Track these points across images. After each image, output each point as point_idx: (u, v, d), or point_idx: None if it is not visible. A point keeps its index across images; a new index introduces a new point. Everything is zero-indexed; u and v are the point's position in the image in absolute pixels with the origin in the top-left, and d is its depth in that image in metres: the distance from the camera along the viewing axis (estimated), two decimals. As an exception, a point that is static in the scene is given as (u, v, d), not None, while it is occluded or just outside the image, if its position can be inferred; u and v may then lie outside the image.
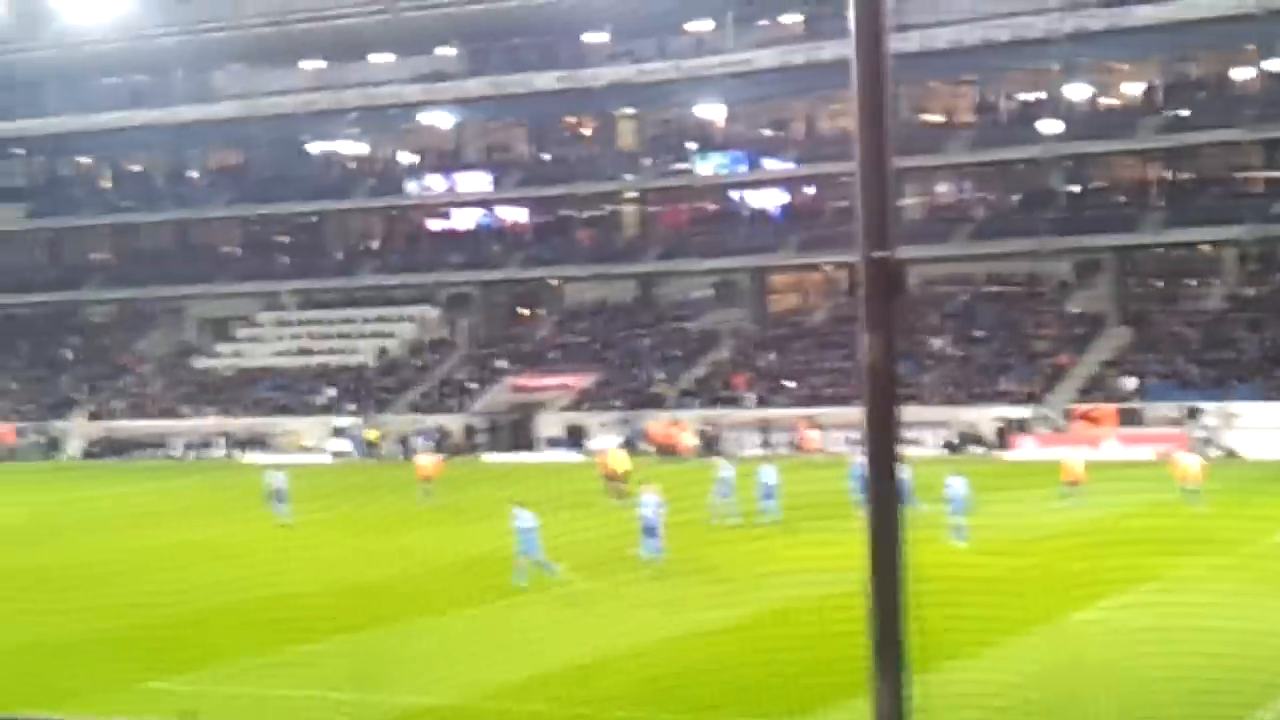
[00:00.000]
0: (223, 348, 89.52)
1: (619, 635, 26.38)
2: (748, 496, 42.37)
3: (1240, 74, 74.46)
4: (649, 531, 35.83)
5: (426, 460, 54.82)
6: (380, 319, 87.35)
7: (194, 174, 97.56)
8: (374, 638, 27.22)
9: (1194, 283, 72.17)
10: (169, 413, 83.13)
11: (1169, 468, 44.19)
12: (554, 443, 70.98)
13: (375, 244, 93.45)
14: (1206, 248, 71.87)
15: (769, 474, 42.77)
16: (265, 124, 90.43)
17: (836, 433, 61.95)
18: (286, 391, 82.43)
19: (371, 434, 75.02)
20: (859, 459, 41.66)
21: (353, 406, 79.13)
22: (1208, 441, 59.20)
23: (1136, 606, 27.73)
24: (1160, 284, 73.15)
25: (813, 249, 76.77)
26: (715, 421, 68.74)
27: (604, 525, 37.50)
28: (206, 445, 78.54)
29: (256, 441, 77.37)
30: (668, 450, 64.73)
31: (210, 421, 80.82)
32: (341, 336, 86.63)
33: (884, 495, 10.97)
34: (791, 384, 71.19)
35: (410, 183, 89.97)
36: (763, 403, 70.34)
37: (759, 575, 30.94)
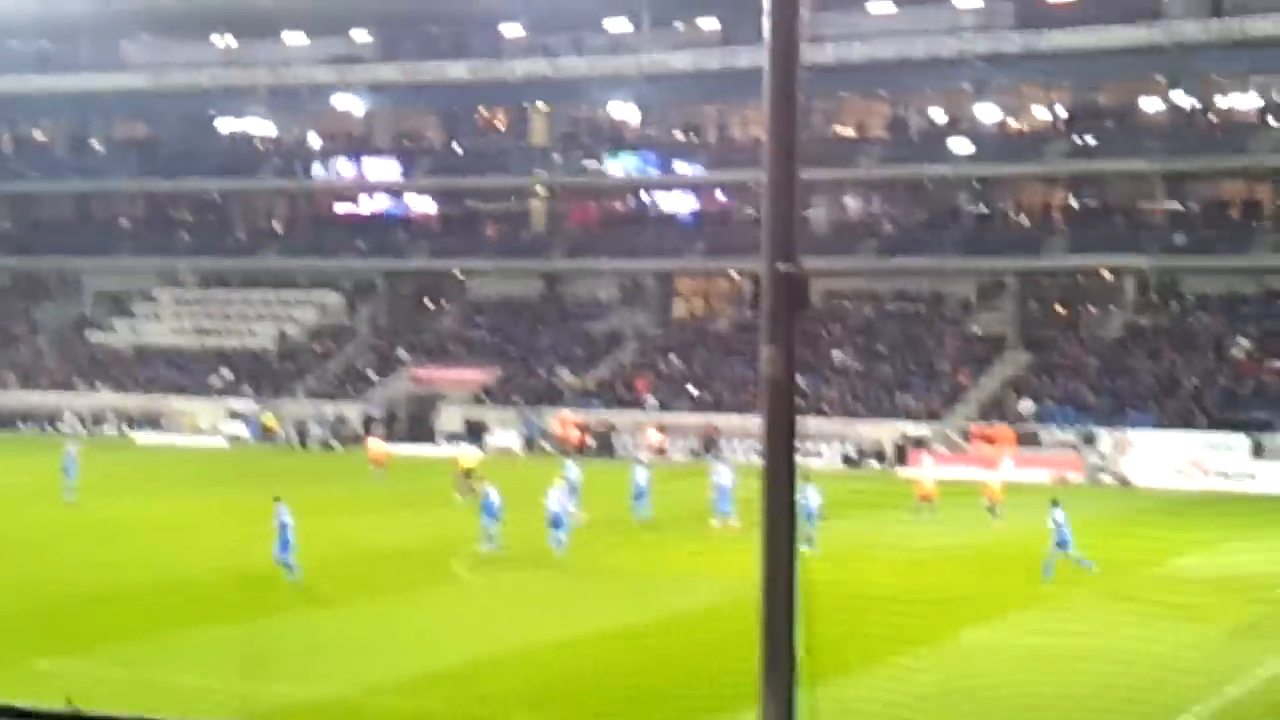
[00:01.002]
0: (119, 323, 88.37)
1: (511, 636, 26.32)
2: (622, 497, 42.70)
3: (1148, 104, 75.41)
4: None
5: (377, 445, 57.33)
6: (281, 302, 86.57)
7: (97, 145, 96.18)
8: (265, 627, 26.98)
9: (1094, 309, 73.06)
10: (61, 386, 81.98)
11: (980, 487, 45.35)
12: (452, 436, 70.66)
13: (280, 226, 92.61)
14: (1107, 275, 72.75)
15: (641, 475, 43.28)
16: (173, 98, 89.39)
17: (738, 441, 62.51)
18: (182, 371, 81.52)
19: (268, 419, 74.38)
20: (722, 468, 42.08)
21: (249, 390, 78.41)
22: (1101, 468, 60.01)
23: (1023, 630, 28.05)
24: (1061, 309, 73.98)
25: (720, 255, 76.92)
26: (609, 422, 68.83)
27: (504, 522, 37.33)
28: (99, 421, 77.50)
29: (150, 420, 76.49)
30: (567, 447, 64.87)
31: (103, 397, 79.81)
32: (241, 318, 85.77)
33: (780, 507, 10.98)
34: (693, 389, 71.37)
35: (318, 166, 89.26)
36: (664, 406, 70.42)
37: (654, 581, 30.99)
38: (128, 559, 33.68)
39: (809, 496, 36.52)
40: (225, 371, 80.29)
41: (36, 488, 46.96)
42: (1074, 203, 76.13)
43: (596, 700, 21.90)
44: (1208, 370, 65.47)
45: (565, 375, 74.42)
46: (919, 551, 33.24)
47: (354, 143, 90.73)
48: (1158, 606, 30.38)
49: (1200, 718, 22.58)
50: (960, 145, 75.36)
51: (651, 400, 71.23)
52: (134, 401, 78.63)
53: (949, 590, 30.63)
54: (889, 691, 21.78)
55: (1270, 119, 72.08)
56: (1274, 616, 29.83)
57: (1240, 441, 59.00)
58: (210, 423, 75.04)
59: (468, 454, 52.10)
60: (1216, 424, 60.74)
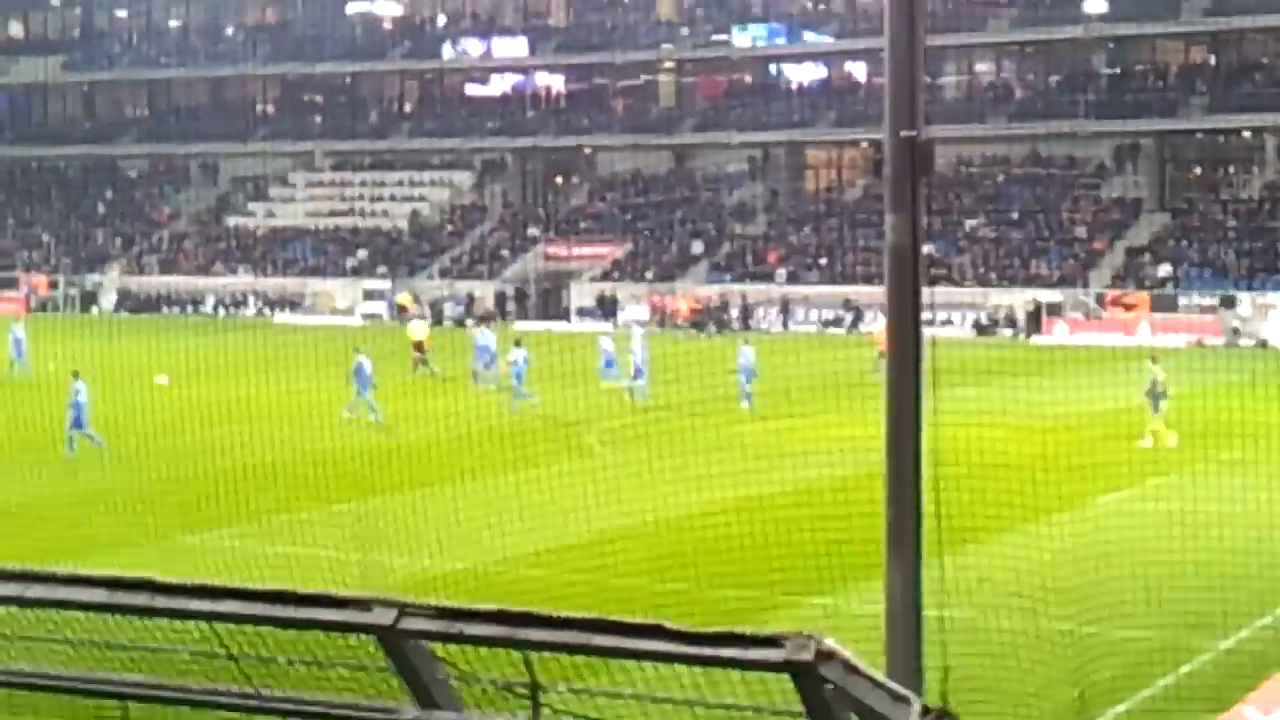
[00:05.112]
0: (255, 206, 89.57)
1: (640, 509, 26.55)
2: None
3: (1290, -42, 73.19)
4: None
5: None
6: (413, 183, 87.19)
7: (230, 30, 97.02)
8: (398, 501, 27.45)
9: (1233, 170, 71.50)
10: (202, 270, 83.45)
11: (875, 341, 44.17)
12: (585, 312, 71.05)
13: (410, 107, 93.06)
14: (1247, 135, 71.13)
15: (747, 354, 42.72)
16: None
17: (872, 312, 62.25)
18: (318, 252, 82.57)
19: (404, 298, 75.20)
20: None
21: (383, 269, 79.25)
22: (1239, 331, 59.04)
23: (1158, 496, 27.76)
24: (1199, 170, 72.49)
25: (849, 125, 76.17)
26: (725, 296, 69.07)
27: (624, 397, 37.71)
28: (239, 304, 78.87)
29: (289, 302, 77.67)
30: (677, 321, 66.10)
31: (243, 280, 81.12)
32: (374, 199, 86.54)
33: (905, 374, 10.99)
34: (824, 260, 71.06)
35: (446, 46, 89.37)
36: (793, 279, 70.19)
37: (783, 453, 31.04)
38: (269, 436, 34.34)
39: (746, 356, 39.77)
40: (361, 253, 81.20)
41: (178, 369, 47.83)
42: (1212, 61, 74.27)
43: (724, 570, 22.08)
44: (1352, 230, 63.99)
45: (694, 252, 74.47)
46: (1047, 419, 32.88)
47: (481, 22, 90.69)
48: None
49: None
50: (1093, 5, 73.68)
51: (781, 272, 71.07)
52: (273, 283, 79.85)
53: (1081, 457, 30.36)
54: (1018, 559, 21.67)
55: None
56: None
57: (1385, 302, 57.79)
58: (347, 303, 76.06)
59: (415, 328, 52.33)
60: (1361, 285, 59.49)
